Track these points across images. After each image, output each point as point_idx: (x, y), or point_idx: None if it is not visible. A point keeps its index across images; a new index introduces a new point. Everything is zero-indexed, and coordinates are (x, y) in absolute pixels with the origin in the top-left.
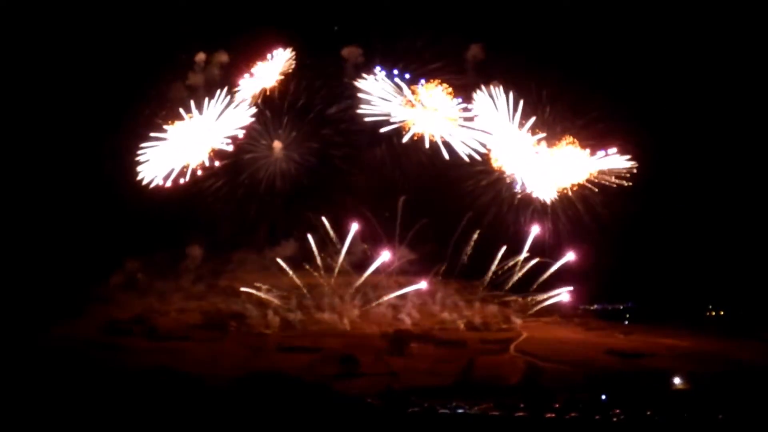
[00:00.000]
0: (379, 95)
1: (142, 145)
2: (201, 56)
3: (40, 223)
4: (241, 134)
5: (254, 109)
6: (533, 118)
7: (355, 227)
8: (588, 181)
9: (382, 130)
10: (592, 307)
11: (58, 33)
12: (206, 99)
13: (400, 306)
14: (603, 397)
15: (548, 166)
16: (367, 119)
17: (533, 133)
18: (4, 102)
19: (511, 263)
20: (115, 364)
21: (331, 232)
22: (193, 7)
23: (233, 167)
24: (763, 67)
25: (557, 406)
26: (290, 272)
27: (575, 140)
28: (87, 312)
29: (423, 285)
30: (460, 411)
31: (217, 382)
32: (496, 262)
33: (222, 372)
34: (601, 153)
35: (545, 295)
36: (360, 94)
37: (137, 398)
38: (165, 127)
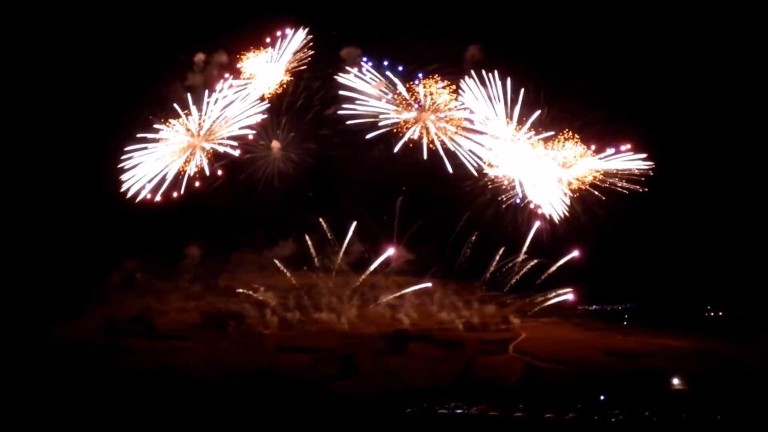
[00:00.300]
0: (372, 93)
1: (131, 148)
2: (200, 56)
3: (39, 223)
4: (250, 135)
5: (264, 105)
6: (536, 113)
7: (353, 228)
8: (592, 184)
9: (373, 134)
10: (591, 308)
11: (55, 35)
12: (205, 100)
13: (398, 306)
14: (601, 397)
15: (549, 169)
16: (363, 119)
17: (534, 135)
18: (3, 103)
19: (509, 264)
20: (115, 363)
21: (329, 233)
22: (192, 7)
23: (231, 167)
24: (763, 68)
25: (556, 406)
26: (288, 273)
27: (575, 137)
28: (86, 312)
29: (428, 285)
30: (458, 411)
31: (216, 382)
32: (494, 262)
33: (221, 372)
34: (609, 151)
35: (544, 296)
36: (352, 93)
37: (137, 398)
38: (159, 127)
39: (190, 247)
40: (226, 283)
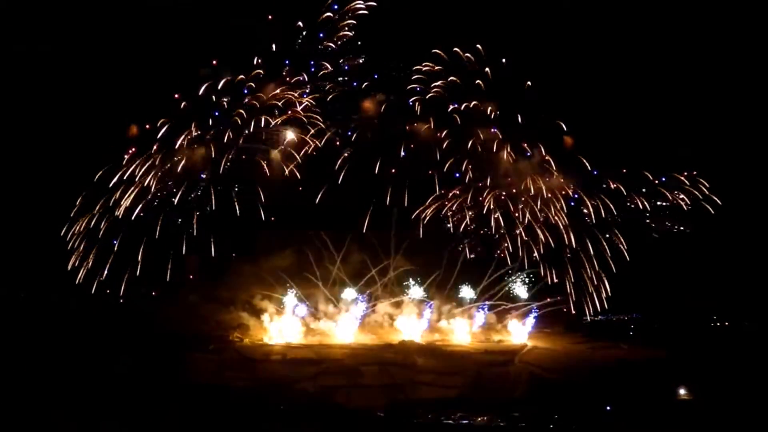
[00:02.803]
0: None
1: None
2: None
3: (38, 229)
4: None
5: None
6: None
7: (350, 237)
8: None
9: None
10: (597, 318)
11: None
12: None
13: (400, 316)
14: (608, 408)
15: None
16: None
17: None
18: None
19: (514, 272)
20: (116, 373)
21: (328, 242)
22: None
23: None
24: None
25: (562, 417)
26: (289, 282)
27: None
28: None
29: (431, 301)
30: (464, 422)
31: (219, 394)
32: (497, 270)
33: (224, 383)
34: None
35: (549, 306)
36: None
37: (138, 409)
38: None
39: (190, 258)
40: (228, 293)
